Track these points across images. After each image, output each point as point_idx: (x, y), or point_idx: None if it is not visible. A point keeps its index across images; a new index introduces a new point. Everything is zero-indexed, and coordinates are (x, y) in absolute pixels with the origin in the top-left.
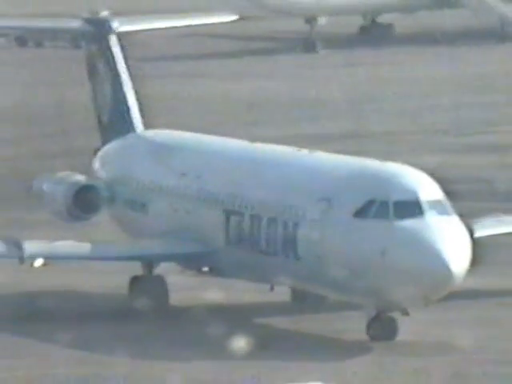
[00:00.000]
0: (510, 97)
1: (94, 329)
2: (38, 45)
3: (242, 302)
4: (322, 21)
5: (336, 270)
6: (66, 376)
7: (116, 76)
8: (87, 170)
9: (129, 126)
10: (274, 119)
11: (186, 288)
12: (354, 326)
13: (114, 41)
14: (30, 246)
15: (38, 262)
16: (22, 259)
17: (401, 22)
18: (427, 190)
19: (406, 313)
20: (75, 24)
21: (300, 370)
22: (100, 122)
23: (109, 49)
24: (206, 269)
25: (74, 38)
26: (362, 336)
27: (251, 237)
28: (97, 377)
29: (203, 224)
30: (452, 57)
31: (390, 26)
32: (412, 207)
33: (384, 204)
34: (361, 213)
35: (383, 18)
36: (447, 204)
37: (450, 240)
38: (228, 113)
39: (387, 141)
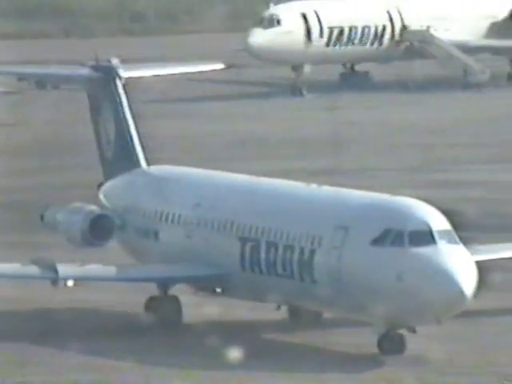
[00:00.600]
0: (472, 138)
1: (106, 341)
2: (55, 87)
3: (247, 318)
4: (307, 68)
5: (354, 292)
6: (77, 381)
7: (121, 117)
8: (94, 201)
9: (133, 162)
10: (264, 155)
11: (197, 306)
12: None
13: (119, 85)
14: (63, 269)
15: (70, 283)
16: (56, 281)
17: (377, 71)
18: (438, 221)
19: (412, 330)
20: (85, 71)
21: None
22: (103, 158)
23: (114, 92)
24: (218, 290)
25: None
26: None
27: (267, 261)
28: (105, 382)
29: (218, 250)
30: (421, 102)
31: (367, 74)
32: (425, 236)
33: (400, 233)
34: (378, 241)
35: (361, 67)
36: (454, 234)
37: (460, 265)
38: (222, 150)
39: (365, 176)
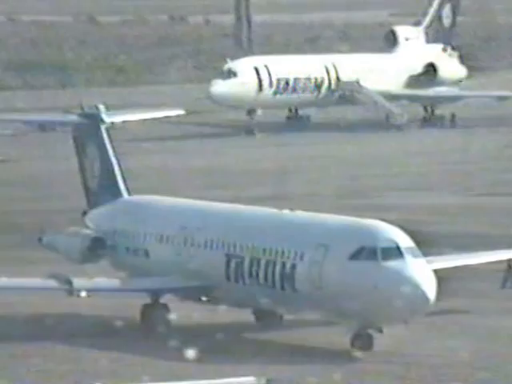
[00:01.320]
0: (392, 170)
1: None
2: (53, 129)
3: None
4: (259, 113)
5: (334, 299)
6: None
7: (104, 155)
8: (78, 223)
9: (116, 193)
10: (224, 185)
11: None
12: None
13: (103, 129)
14: (77, 282)
15: (83, 294)
16: (71, 292)
17: (316, 114)
18: (403, 239)
19: (380, 330)
20: (73, 117)
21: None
22: (87, 189)
23: (99, 135)
24: (204, 298)
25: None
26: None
27: (250, 274)
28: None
29: (205, 265)
30: (352, 140)
31: (308, 117)
32: (394, 252)
33: (373, 250)
34: (354, 256)
35: (303, 111)
36: (417, 249)
37: (424, 275)
38: (188, 180)
39: (307, 201)
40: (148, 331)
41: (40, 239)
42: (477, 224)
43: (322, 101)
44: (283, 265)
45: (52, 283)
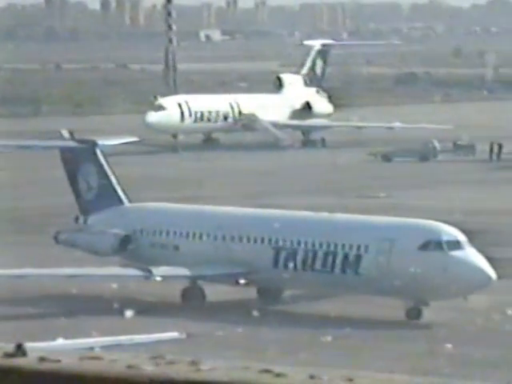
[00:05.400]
0: (280, 178)
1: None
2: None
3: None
4: (181, 136)
5: (402, 282)
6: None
7: (102, 171)
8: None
9: (116, 200)
10: (157, 189)
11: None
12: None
13: (98, 151)
14: (155, 270)
15: (159, 279)
16: (149, 278)
17: (224, 138)
18: (459, 234)
19: (427, 304)
20: (72, 143)
21: None
22: (81, 199)
23: (94, 156)
24: (242, 281)
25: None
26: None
27: (304, 262)
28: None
29: (248, 256)
30: (249, 157)
31: (218, 140)
32: (455, 244)
33: (439, 242)
34: (423, 247)
35: (214, 135)
36: (468, 241)
37: (481, 260)
38: (131, 185)
39: (219, 202)
40: (187, 307)
41: (55, 238)
42: None
43: (229, 128)
44: (345, 255)
45: (133, 271)
